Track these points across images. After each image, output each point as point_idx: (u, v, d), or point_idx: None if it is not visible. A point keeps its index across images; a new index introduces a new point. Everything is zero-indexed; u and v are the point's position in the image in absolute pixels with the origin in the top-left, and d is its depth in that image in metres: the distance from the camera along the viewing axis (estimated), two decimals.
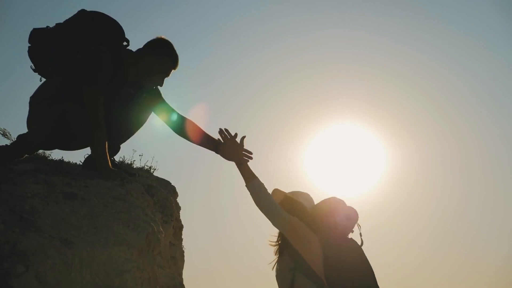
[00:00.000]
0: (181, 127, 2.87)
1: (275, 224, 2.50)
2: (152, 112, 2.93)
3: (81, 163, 3.00)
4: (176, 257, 3.58)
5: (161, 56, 2.79)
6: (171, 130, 2.90)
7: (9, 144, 2.64)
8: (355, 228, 2.57)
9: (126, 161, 3.56)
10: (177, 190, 3.89)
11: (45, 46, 2.84)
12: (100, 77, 2.65)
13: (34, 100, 2.75)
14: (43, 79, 2.87)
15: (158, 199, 3.16)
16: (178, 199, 3.86)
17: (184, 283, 3.43)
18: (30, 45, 2.88)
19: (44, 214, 2.03)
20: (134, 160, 3.66)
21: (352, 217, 2.55)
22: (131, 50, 2.89)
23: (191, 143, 2.87)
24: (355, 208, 2.58)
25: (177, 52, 2.83)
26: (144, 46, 2.84)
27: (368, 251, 2.44)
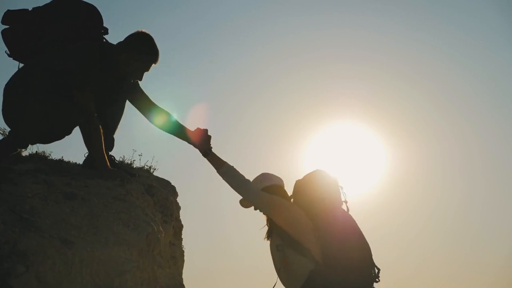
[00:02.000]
0: (159, 118, 2.86)
1: (253, 202, 2.49)
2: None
3: (81, 163, 3.00)
4: (176, 257, 3.58)
5: (143, 51, 2.77)
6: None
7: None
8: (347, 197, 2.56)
9: (126, 161, 3.55)
10: (177, 190, 3.89)
11: (23, 29, 2.75)
12: (89, 76, 2.62)
13: (15, 88, 2.65)
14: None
15: (158, 199, 3.16)
16: (178, 199, 3.86)
17: (184, 283, 3.43)
18: (5, 27, 2.76)
19: (44, 214, 2.03)
20: (134, 160, 3.66)
21: (330, 187, 2.52)
22: (113, 44, 2.87)
23: (167, 133, 2.86)
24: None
25: (158, 46, 2.81)
26: (126, 40, 2.80)
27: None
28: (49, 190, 2.27)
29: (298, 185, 2.61)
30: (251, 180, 2.71)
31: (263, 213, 2.56)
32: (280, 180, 2.74)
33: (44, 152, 3.08)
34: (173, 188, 3.83)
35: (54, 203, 2.16)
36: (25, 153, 3.07)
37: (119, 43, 2.81)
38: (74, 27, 2.79)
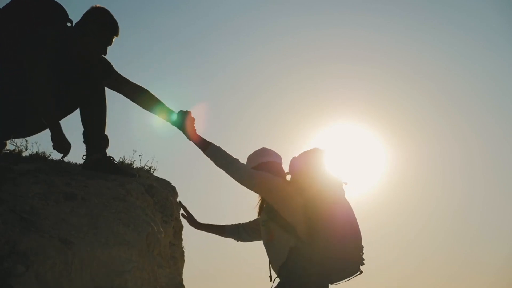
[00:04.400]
0: (137, 95, 2.86)
1: (241, 181, 2.46)
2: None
3: (81, 164, 3.00)
4: (176, 257, 3.57)
5: (101, 26, 2.75)
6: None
7: None
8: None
9: (126, 161, 3.55)
10: (177, 190, 3.88)
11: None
12: (45, 43, 2.59)
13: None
14: None
15: (158, 199, 3.16)
16: (178, 199, 3.85)
17: (184, 283, 3.42)
18: None
19: (44, 214, 2.03)
20: (134, 160, 3.65)
21: (327, 167, 2.51)
22: (71, 27, 2.84)
23: (148, 111, 2.86)
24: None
25: (115, 18, 2.80)
26: (82, 19, 2.79)
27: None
28: (49, 190, 2.27)
29: (294, 162, 2.59)
30: (248, 155, 2.73)
31: (253, 191, 2.54)
32: (278, 156, 2.73)
33: (44, 152, 3.09)
34: (173, 188, 3.83)
35: (54, 203, 2.16)
36: (25, 153, 3.07)
37: (77, 23, 2.79)
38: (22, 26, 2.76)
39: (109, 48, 2.84)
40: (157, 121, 2.93)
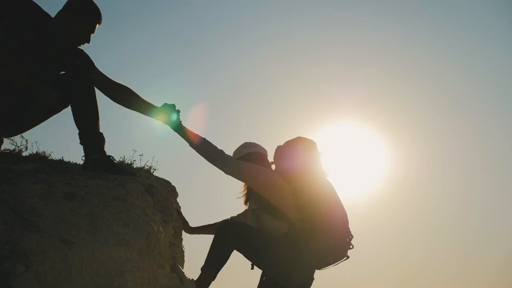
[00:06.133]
0: (117, 93, 2.84)
1: (227, 171, 2.48)
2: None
3: (80, 164, 3.00)
4: (176, 257, 3.57)
5: (83, 14, 2.74)
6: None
7: None
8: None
9: (126, 161, 3.56)
10: (177, 190, 3.89)
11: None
12: (22, 33, 2.57)
13: None
14: None
15: (158, 199, 3.16)
16: (178, 199, 3.86)
17: None
18: None
19: (44, 214, 2.03)
20: (134, 160, 3.65)
21: (311, 154, 2.56)
22: (51, 17, 2.82)
23: (129, 109, 2.84)
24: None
25: (98, 6, 2.79)
26: (64, 7, 2.78)
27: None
28: (49, 190, 2.27)
29: (279, 151, 2.62)
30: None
31: (240, 180, 2.56)
32: (263, 149, 2.76)
33: (44, 152, 3.09)
34: (173, 188, 3.83)
35: (54, 203, 2.16)
36: (25, 153, 3.08)
37: (59, 12, 2.78)
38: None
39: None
40: (157, 121, 2.93)
